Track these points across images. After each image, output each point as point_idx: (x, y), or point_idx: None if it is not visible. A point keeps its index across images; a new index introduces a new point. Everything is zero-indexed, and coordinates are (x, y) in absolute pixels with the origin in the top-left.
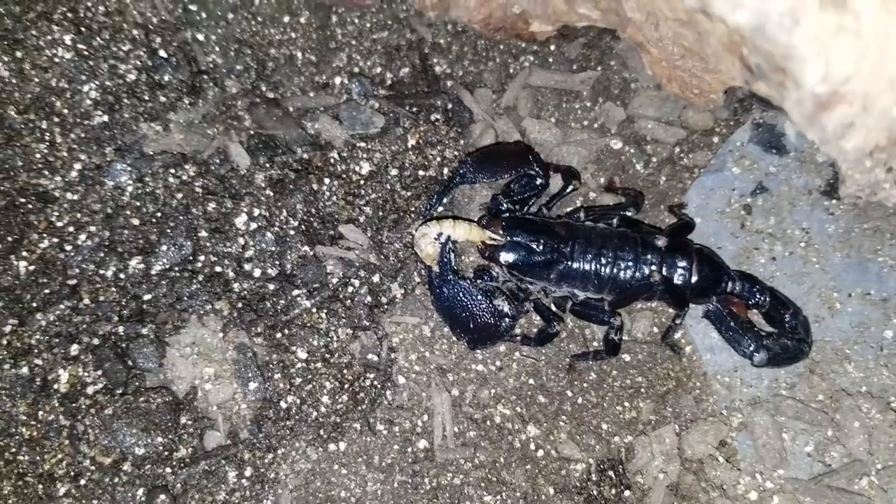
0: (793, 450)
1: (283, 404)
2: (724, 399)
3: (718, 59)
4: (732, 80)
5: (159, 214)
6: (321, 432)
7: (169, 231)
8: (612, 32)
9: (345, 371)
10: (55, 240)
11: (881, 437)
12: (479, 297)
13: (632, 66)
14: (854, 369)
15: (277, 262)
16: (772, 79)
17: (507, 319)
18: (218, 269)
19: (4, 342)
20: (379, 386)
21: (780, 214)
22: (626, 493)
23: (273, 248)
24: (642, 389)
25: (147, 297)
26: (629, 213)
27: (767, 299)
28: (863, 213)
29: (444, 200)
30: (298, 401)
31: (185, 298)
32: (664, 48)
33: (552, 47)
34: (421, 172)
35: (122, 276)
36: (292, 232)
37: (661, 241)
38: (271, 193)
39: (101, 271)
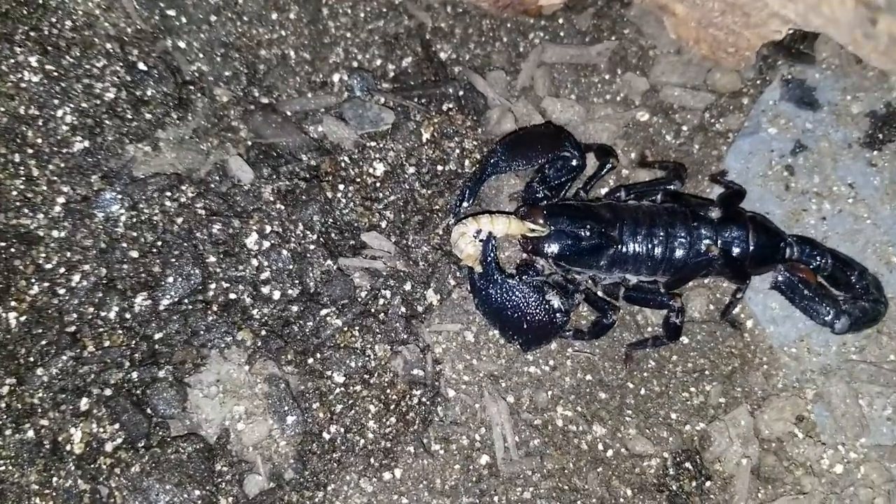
0: (872, 416)
1: (326, 435)
2: (794, 371)
3: (820, 1)
4: (776, 32)
5: (160, 243)
6: (372, 461)
7: (173, 260)
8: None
9: (388, 391)
10: (46, 284)
11: None
12: (531, 294)
13: (648, 33)
14: None
15: (298, 281)
16: None
17: (560, 315)
18: (233, 295)
19: (3, 405)
20: (428, 402)
21: (823, 172)
22: (708, 483)
23: (291, 267)
24: (706, 371)
25: (158, 335)
26: (674, 187)
27: (829, 261)
28: None
29: (476, 193)
30: (342, 429)
31: (202, 332)
32: (702, 6)
33: (561, 21)
34: (440, 167)
35: (127, 315)
36: (312, 246)
37: (714, 213)
38: (282, 207)
39: (103, 313)
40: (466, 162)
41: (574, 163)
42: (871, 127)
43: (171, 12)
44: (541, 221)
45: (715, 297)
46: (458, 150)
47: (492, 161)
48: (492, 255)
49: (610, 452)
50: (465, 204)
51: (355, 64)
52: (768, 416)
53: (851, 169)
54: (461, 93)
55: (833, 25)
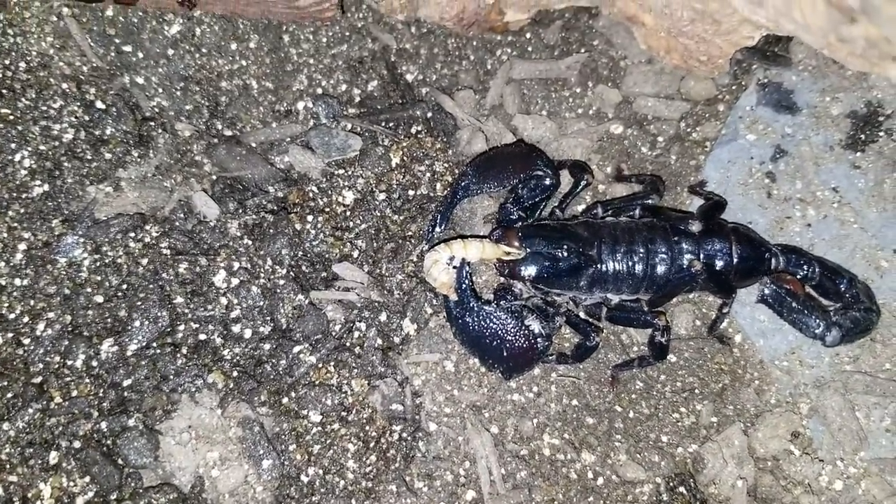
0: (870, 428)
1: (304, 478)
2: (786, 386)
3: (790, 6)
4: (748, 39)
5: (125, 286)
6: (353, 503)
7: (139, 303)
8: (589, 11)
9: (367, 428)
10: (9, 335)
11: None
12: (509, 320)
13: (617, 43)
14: None
15: (269, 318)
16: (885, 13)
17: (541, 339)
18: (203, 336)
19: None
20: (409, 438)
21: (805, 177)
22: None
23: (262, 303)
24: (696, 390)
25: (127, 382)
26: (652, 201)
27: (817, 270)
28: (890, 162)
29: (448, 218)
30: (321, 471)
31: (172, 377)
32: (671, 15)
33: (528, 35)
34: (411, 192)
35: (94, 363)
36: (282, 281)
37: (694, 226)
38: (250, 242)
39: (69, 362)
40: (438, 185)
41: (547, 181)
42: (852, 128)
43: (128, 48)
44: (516, 244)
45: (701, 312)
46: (428, 174)
47: (462, 184)
48: (466, 281)
49: (600, 480)
50: (437, 230)
51: (320, 90)
52: (762, 433)
53: (834, 172)
54: (429, 114)
55: (805, 30)
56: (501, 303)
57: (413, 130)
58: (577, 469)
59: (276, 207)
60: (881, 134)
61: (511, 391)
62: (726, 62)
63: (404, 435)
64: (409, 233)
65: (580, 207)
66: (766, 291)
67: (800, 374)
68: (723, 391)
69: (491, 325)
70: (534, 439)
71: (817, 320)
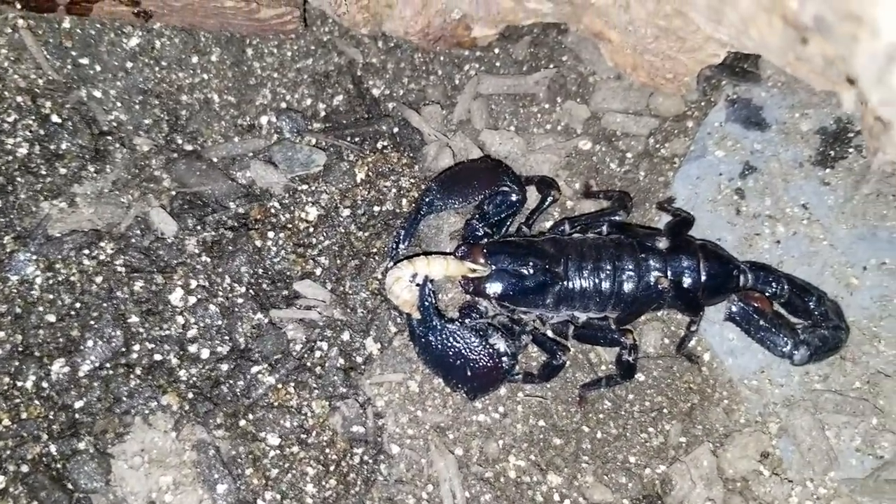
0: (840, 447)
1: (260, 503)
2: (756, 405)
3: (747, 24)
4: (713, 56)
5: (78, 305)
6: None
7: (93, 323)
8: (558, 27)
9: (328, 451)
10: None
11: None
12: (473, 338)
13: (586, 59)
14: (886, 347)
15: (228, 338)
16: (838, 32)
17: (506, 358)
18: (158, 357)
19: None
20: (371, 461)
21: (775, 193)
22: None
23: (220, 322)
24: (665, 410)
25: (79, 404)
26: (619, 218)
27: (785, 288)
28: (861, 179)
29: (412, 235)
30: (279, 496)
31: (125, 399)
32: (634, 32)
33: (496, 51)
34: (377, 208)
35: (44, 384)
36: (240, 300)
37: (662, 243)
38: (208, 259)
39: (19, 383)
40: (404, 201)
41: (514, 197)
42: (821, 144)
43: (85, 60)
44: (481, 261)
45: (670, 330)
46: (394, 189)
47: (426, 200)
48: (429, 299)
49: (567, 503)
50: (401, 247)
51: (284, 105)
52: (731, 454)
53: (804, 189)
54: (396, 129)
55: (764, 49)
56: (466, 321)
57: (379, 145)
58: (543, 491)
59: (236, 224)
60: (851, 150)
61: (476, 412)
62: (693, 80)
63: (366, 458)
64: (374, 250)
65: (548, 224)
66: (734, 309)
67: (769, 393)
68: (691, 411)
69: (454, 343)
70: (499, 461)
71: (785, 339)
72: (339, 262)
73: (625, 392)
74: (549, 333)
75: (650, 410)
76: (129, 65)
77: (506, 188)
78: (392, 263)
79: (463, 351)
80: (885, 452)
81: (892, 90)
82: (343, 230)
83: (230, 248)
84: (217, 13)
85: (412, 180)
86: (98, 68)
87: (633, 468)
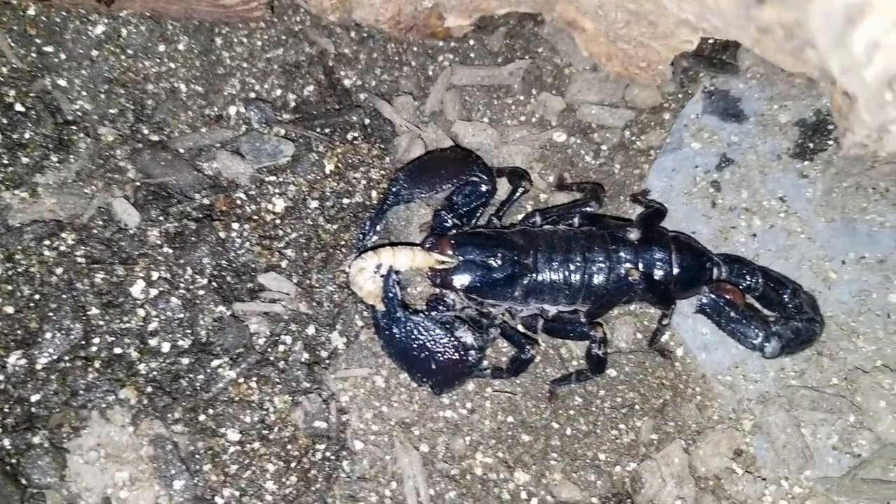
0: (816, 445)
1: (218, 500)
2: (729, 401)
3: None
4: (686, 43)
5: (37, 297)
6: None
7: (51, 315)
8: (535, 17)
9: (289, 447)
10: None
11: None
12: (438, 331)
13: (562, 51)
14: (864, 342)
15: (189, 331)
16: None
17: (473, 352)
18: (118, 350)
19: None
20: (333, 457)
21: (752, 186)
22: None
23: (181, 315)
24: (636, 406)
25: (35, 397)
26: (591, 209)
27: (760, 280)
28: (840, 171)
29: (378, 227)
30: (237, 492)
31: (82, 392)
32: (605, 17)
33: (471, 42)
34: (346, 200)
35: (0, 377)
36: (201, 292)
37: (633, 234)
38: (170, 251)
39: None
40: (373, 193)
41: (483, 188)
42: (800, 136)
43: (49, 49)
44: (448, 252)
45: (642, 324)
46: (364, 181)
47: (393, 190)
48: (393, 290)
49: (534, 501)
50: (368, 238)
51: (253, 95)
52: (703, 451)
53: (782, 181)
54: (367, 121)
55: (722, 19)
56: (432, 313)
57: (349, 136)
58: (510, 489)
59: (200, 215)
60: (830, 142)
61: (443, 407)
62: (667, 69)
63: (328, 454)
64: (342, 242)
65: (521, 215)
66: (705, 301)
67: (743, 389)
68: (664, 407)
69: (419, 336)
70: (466, 458)
71: (756, 330)
72: (305, 254)
73: (596, 387)
74: (519, 327)
75: (621, 406)
76: (94, 53)
77: (475, 178)
78: (357, 254)
79: (427, 344)
80: (863, 451)
81: (853, 56)
82: (311, 222)
83: (193, 239)
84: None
85: (382, 172)
86: (63, 56)
87: (602, 465)
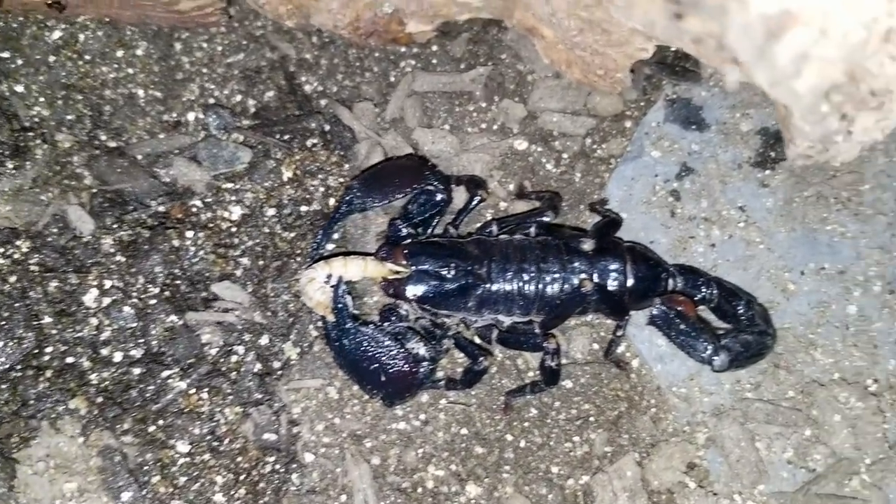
0: (770, 459)
1: None
2: (684, 414)
3: (631, 8)
4: (641, 51)
5: None
6: None
7: (3, 323)
8: (499, 23)
9: (239, 459)
10: None
11: (866, 427)
12: (388, 342)
13: (525, 57)
14: (822, 355)
15: (142, 341)
16: (708, 5)
17: (425, 364)
18: (70, 359)
19: None
20: (282, 470)
21: (711, 195)
22: None
23: (134, 325)
24: (591, 418)
25: None
26: (547, 219)
27: (715, 292)
28: (801, 180)
29: (335, 235)
30: None
31: (32, 402)
32: (559, 24)
33: (434, 48)
34: (304, 208)
35: None
36: (153, 301)
37: (587, 245)
38: (123, 259)
39: None
40: (331, 201)
41: (438, 197)
42: (762, 145)
43: (6, 54)
44: (402, 262)
45: (599, 335)
46: (322, 189)
47: (347, 199)
48: (342, 301)
49: None
50: (322, 248)
51: (212, 100)
52: (657, 464)
53: (742, 191)
54: (327, 127)
55: (653, 29)
56: (385, 325)
57: (308, 143)
58: (461, 502)
59: (155, 223)
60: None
61: (397, 419)
62: (626, 76)
63: (277, 466)
64: (299, 251)
65: (478, 225)
66: (655, 312)
67: (698, 401)
68: (618, 419)
69: (368, 348)
70: (417, 471)
71: (705, 343)
72: (261, 263)
73: (551, 399)
74: (474, 338)
75: (576, 418)
76: (51, 59)
77: (430, 187)
78: (308, 264)
79: (377, 356)
80: (818, 465)
81: (778, 68)
82: (267, 230)
83: (145, 247)
84: (134, 4)
85: (341, 179)
86: (20, 62)
87: (555, 479)
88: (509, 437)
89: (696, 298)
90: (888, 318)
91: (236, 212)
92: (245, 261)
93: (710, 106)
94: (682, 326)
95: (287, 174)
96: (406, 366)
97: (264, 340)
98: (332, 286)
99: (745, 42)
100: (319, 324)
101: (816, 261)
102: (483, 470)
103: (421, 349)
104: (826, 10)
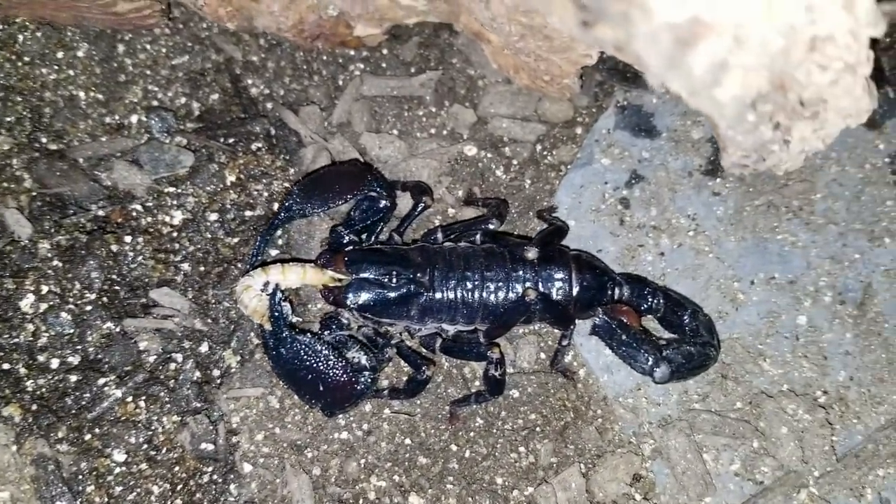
0: (717, 471)
1: None
2: (630, 425)
3: (550, 9)
4: (586, 57)
5: None
6: None
7: None
8: (450, 27)
9: (176, 468)
10: None
11: (813, 440)
12: (326, 352)
13: (476, 62)
14: (771, 366)
15: (79, 347)
16: (613, 13)
17: (366, 373)
18: (6, 366)
19: None
20: (220, 480)
21: (661, 203)
22: None
23: (71, 331)
24: (537, 428)
25: None
26: (492, 226)
27: (661, 302)
28: (752, 189)
29: (275, 242)
30: None
31: None
32: (501, 30)
33: (384, 51)
34: (247, 213)
35: None
36: (89, 307)
37: (531, 253)
38: (59, 264)
39: None
40: (275, 205)
41: (381, 203)
42: (713, 153)
43: None
44: (342, 269)
45: (546, 344)
46: (266, 193)
47: (286, 205)
48: (279, 309)
49: None
50: (263, 254)
51: (155, 103)
52: (601, 476)
53: (692, 199)
54: (272, 131)
55: (570, 33)
56: (325, 333)
57: (253, 147)
58: None
59: (94, 227)
60: None
61: (339, 429)
62: (574, 83)
63: (215, 477)
64: (242, 256)
65: (424, 232)
66: (597, 322)
67: (645, 412)
68: (565, 429)
69: (306, 357)
70: (359, 481)
71: (646, 355)
72: (202, 268)
73: (497, 409)
74: (419, 347)
75: (522, 429)
76: None
77: (373, 193)
78: (244, 271)
79: (315, 365)
80: (765, 478)
81: (696, 78)
82: (209, 235)
83: (82, 252)
84: (69, 6)
85: (286, 184)
86: None
87: (499, 490)
88: (454, 448)
89: (642, 308)
90: (838, 328)
91: (177, 216)
92: (186, 266)
93: (661, 113)
94: (624, 337)
95: (230, 178)
96: (345, 375)
97: (204, 348)
98: (268, 294)
99: (654, 51)
100: (259, 332)
101: (766, 270)
102: (427, 481)
103: (362, 358)
104: (739, 18)
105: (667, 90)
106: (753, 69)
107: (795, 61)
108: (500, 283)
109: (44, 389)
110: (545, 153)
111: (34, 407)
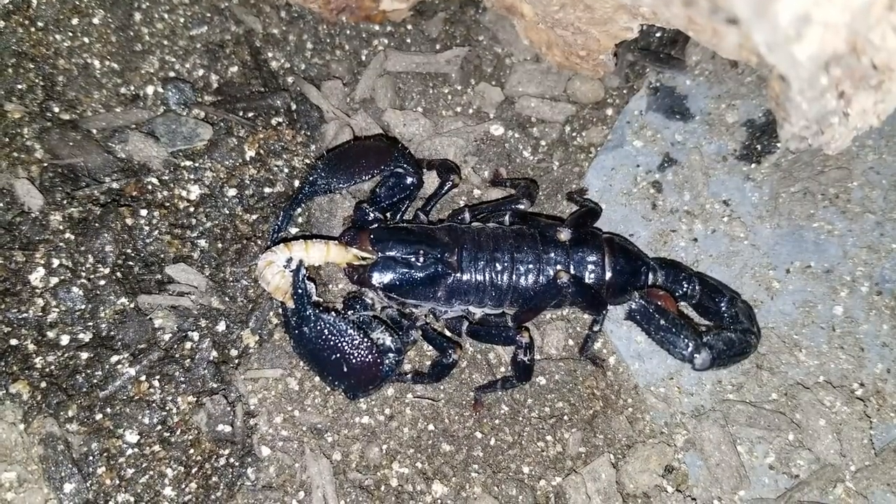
0: (752, 464)
1: None
2: (662, 414)
3: None
4: (626, 30)
5: None
6: None
7: None
8: (477, 3)
9: (191, 451)
10: None
11: (851, 433)
12: (352, 332)
13: (503, 39)
14: (807, 357)
15: (91, 324)
16: None
17: (391, 355)
18: (13, 341)
19: None
20: (237, 464)
21: (694, 188)
22: None
23: (83, 306)
24: (565, 417)
25: None
26: (522, 207)
27: (697, 288)
28: (788, 175)
29: (296, 219)
30: (132, 498)
31: None
32: (540, 0)
33: (409, 27)
34: (267, 189)
35: None
36: (103, 282)
37: (563, 235)
38: (72, 237)
39: None
40: (296, 182)
41: (408, 180)
42: (748, 137)
43: None
44: (367, 247)
45: (574, 330)
46: (286, 169)
47: (310, 180)
48: (303, 286)
49: None
50: (284, 230)
51: (172, 74)
52: (632, 466)
53: (726, 184)
54: (293, 105)
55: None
56: (349, 313)
57: (273, 122)
58: (426, 502)
59: (107, 200)
60: (779, 145)
61: (360, 413)
62: (609, 59)
63: (232, 460)
64: (260, 234)
65: (450, 212)
66: (634, 306)
67: (677, 402)
68: (593, 418)
69: (330, 337)
70: (381, 468)
71: (686, 340)
72: (220, 245)
73: (523, 396)
74: (443, 330)
75: (549, 417)
76: (1, 24)
77: (399, 170)
78: (266, 247)
79: (339, 345)
80: (801, 471)
81: (779, 29)
82: (227, 211)
83: (96, 225)
84: None
85: (307, 160)
86: None
87: (526, 479)
88: (479, 435)
89: (677, 294)
90: (875, 319)
91: (195, 191)
92: (203, 243)
93: (695, 95)
94: (662, 322)
95: (250, 153)
96: (370, 357)
97: (221, 327)
98: (291, 271)
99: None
100: (280, 311)
101: (802, 259)
102: (450, 468)
103: (386, 340)
104: None
105: (704, 73)
106: (834, 26)
107: (874, 20)
108: (531, 265)
109: (53, 366)
110: (574, 134)
111: (43, 384)
